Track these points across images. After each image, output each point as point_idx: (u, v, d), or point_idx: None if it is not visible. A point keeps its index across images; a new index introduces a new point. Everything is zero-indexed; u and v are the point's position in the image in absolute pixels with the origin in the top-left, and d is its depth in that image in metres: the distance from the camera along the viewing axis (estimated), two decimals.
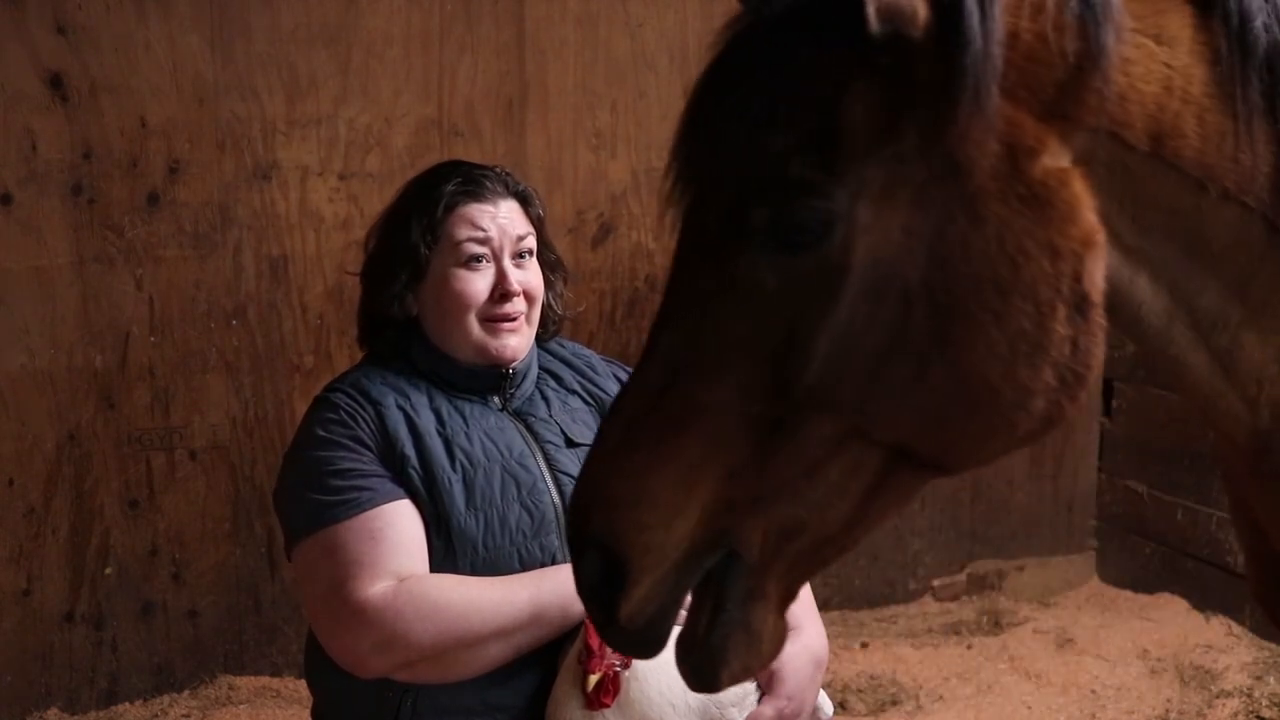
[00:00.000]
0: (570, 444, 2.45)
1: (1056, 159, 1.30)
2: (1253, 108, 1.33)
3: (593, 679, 2.11)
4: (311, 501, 2.33)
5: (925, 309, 1.28)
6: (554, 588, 2.27)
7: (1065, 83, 1.29)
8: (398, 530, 2.28)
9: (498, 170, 2.53)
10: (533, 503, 2.34)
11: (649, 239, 4.11)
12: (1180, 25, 1.35)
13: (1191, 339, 1.43)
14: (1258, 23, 1.33)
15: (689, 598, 1.36)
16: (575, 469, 2.40)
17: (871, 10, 1.21)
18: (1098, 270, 1.32)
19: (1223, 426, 1.51)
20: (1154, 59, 1.33)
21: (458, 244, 2.41)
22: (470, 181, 2.46)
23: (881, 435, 1.31)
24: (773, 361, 1.29)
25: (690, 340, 1.32)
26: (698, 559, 1.31)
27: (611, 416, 1.39)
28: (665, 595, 1.32)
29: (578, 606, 2.24)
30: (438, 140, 3.80)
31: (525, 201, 2.51)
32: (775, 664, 2.29)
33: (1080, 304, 1.30)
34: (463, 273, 2.41)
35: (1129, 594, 4.66)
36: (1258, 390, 1.46)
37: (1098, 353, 1.33)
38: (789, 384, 1.29)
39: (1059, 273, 1.29)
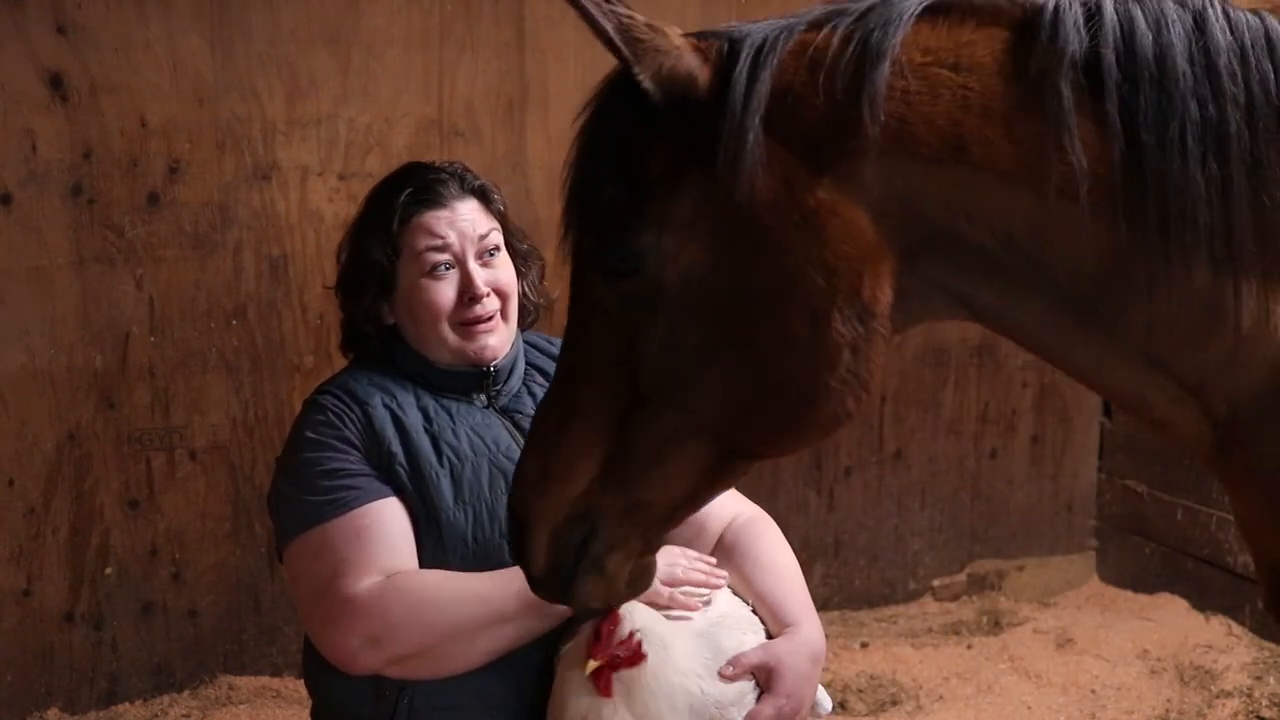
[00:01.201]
0: None
1: (832, 189, 1.51)
2: (1062, 112, 1.47)
3: (591, 664, 2.12)
4: (301, 503, 2.34)
5: (727, 318, 1.56)
6: None
7: (835, 122, 1.50)
8: (384, 527, 2.30)
9: (454, 169, 2.52)
10: None
11: None
12: (986, 52, 1.51)
13: (1071, 333, 1.57)
14: (1067, 27, 1.48)
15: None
16: None
17: (648, 85, 1.50)
18: (880, 284, 1.54)
19: (1179, 423, 1.59)
20: (945, 84, 1.50)
21: (419, 254, 2.40)
22: (424, 189, 2.44)
23: (707, 427, 1.60)
24: (622, 367, 1.61)
25: (574, 351, 1.68)
26: (578, 522, 1.67)
27: (536, 413, 1.76)
28: (554, 549, 1.69)
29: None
30: (438, 140, 3.80)
31: (485, 198, 2.49)
32: (774, 662, 2.30)
33: (861, 314, 1.54)
34: (428, 283, 2.41)
35: (1129, 594, 4.66)
36: (1200, 381, 1.55)
37: (877, 358, 1.56)
38: (635, 385, 1.60)
39: (834, 288, 1.52)
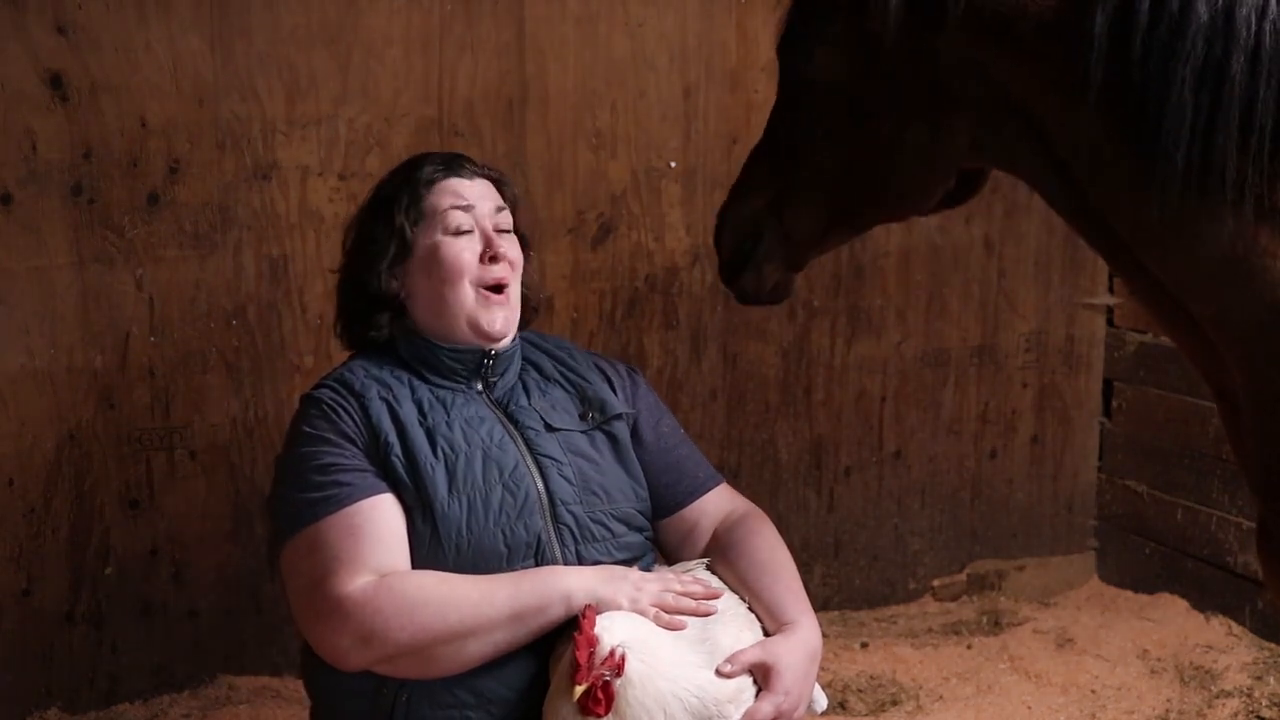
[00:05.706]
0: (550, 428, 2.49)
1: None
2: (1093, 35, 1.87)
3: (579, 690, 2.11)
4: (296, 500, 2.36)
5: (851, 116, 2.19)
6: (534, 588, 2.28)
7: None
8: (376, 525, 2.31)
9: (468, 156, 2.66)
10: (514, 484, 2.38)
11: (649, 239, 4.11)
12: None
13: (1061, 198, 2.14)
14: None
15: None
16: (556, 451, 2.46)
17: None
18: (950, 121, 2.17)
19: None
20: None
21: (442, 213, 2.50)
22: (448, 161, 2.58)
23: (823, 193, 2.26)
24: (792, 141, 2.27)
25: (771, 124, 2.31)
26: (750, 234, 2.31)
27: (750, 154, 2.35)
28: (733, 248, 2.35)
29: (557, 609, 2.27)
30: (438, 140, 3.80)
31: (499, 183, 2.62)
32: (772, 660, 2.30)
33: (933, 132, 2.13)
34: (451, 240, 2.50)
35: (1129, 594, 4.66)
36: (1178, 286, 1.96)
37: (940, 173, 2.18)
38: (794, 155, 2.23)
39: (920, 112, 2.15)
